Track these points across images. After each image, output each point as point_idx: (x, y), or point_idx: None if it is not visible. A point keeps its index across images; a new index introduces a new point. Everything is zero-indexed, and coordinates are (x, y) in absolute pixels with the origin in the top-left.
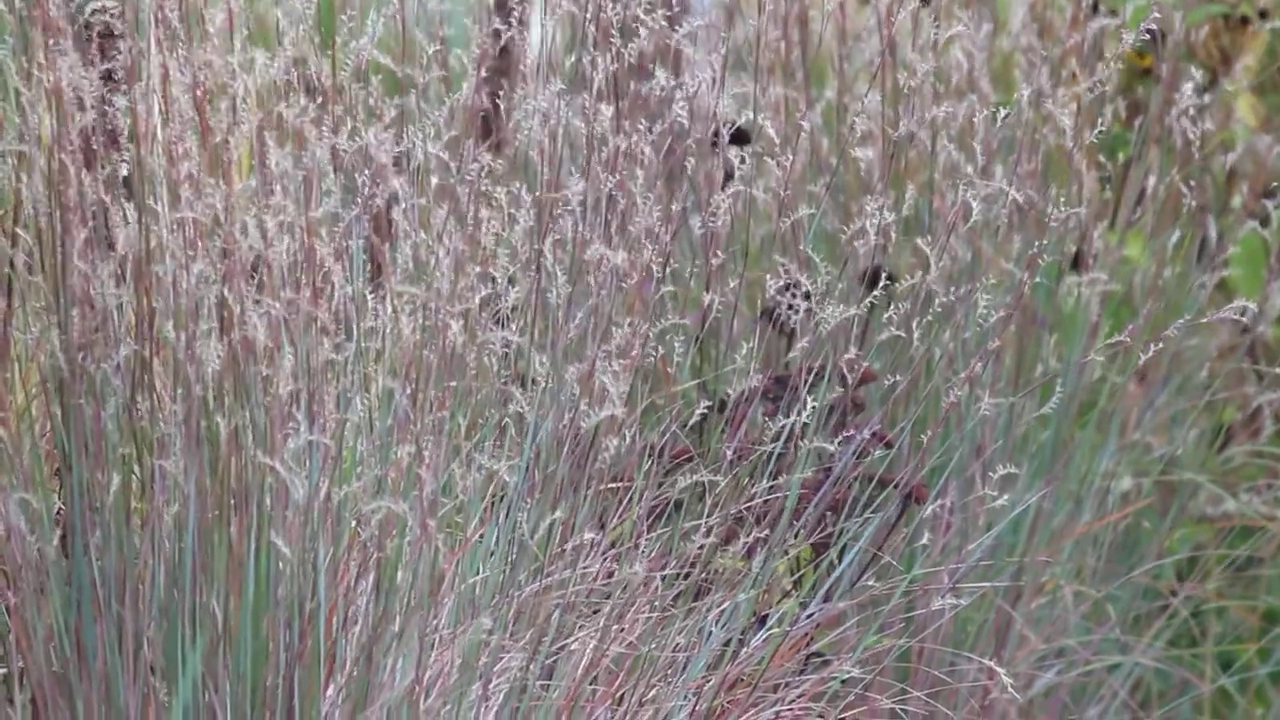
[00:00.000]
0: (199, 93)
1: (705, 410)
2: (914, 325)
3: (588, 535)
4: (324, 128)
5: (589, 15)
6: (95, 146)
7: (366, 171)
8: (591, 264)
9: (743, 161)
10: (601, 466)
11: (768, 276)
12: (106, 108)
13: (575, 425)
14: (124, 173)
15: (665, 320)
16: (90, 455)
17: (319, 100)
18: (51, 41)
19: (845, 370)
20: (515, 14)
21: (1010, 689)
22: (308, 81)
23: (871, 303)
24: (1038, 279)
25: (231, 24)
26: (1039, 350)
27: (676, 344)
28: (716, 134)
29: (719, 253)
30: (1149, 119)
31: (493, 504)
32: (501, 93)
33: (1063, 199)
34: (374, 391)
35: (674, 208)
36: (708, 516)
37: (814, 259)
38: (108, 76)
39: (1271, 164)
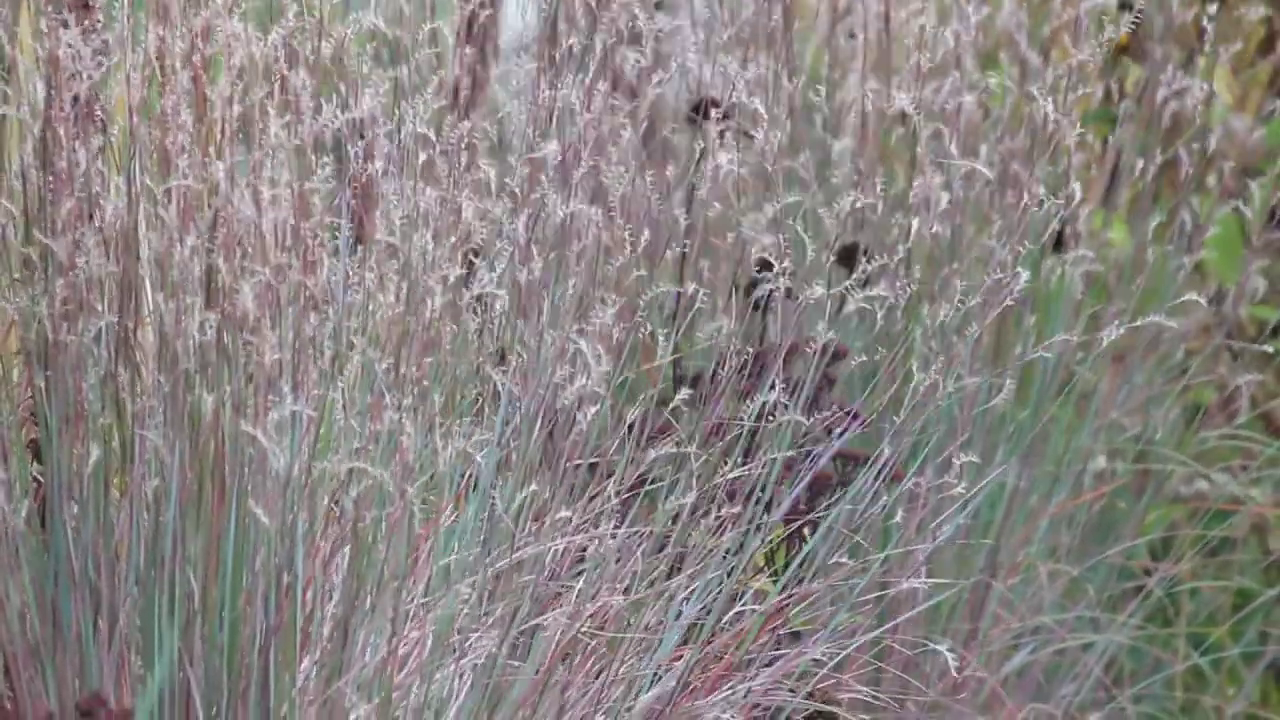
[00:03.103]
0: (196, 60)
1: (683, 390)
2: (880, 305)
3: (563, 514)
4: (315, 100)
5: None
6: (94, 115)
7: (358, 143)
8: (572, 234)
9: (722, 136)
10: (577, 439)
11: (727, 243)
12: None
13: (552, 399)
14: (99, 144)
15: (649, 292)
16: (70, 426)
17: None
18: (52, 9)
19: (816, 347)
20: None
21: (981, 668)
22: (302, 53)
23: (848, 278)
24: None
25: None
26: (1019, 329)
27: (659, 321)
28: (696, 109)
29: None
30: (1130, 98)
31: (469, 481)
32: (479, 66)
33: (1043, 177)
34: (355, 362)
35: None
36: (682, 493)
37: (799, 234)
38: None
39: (1249, 143)
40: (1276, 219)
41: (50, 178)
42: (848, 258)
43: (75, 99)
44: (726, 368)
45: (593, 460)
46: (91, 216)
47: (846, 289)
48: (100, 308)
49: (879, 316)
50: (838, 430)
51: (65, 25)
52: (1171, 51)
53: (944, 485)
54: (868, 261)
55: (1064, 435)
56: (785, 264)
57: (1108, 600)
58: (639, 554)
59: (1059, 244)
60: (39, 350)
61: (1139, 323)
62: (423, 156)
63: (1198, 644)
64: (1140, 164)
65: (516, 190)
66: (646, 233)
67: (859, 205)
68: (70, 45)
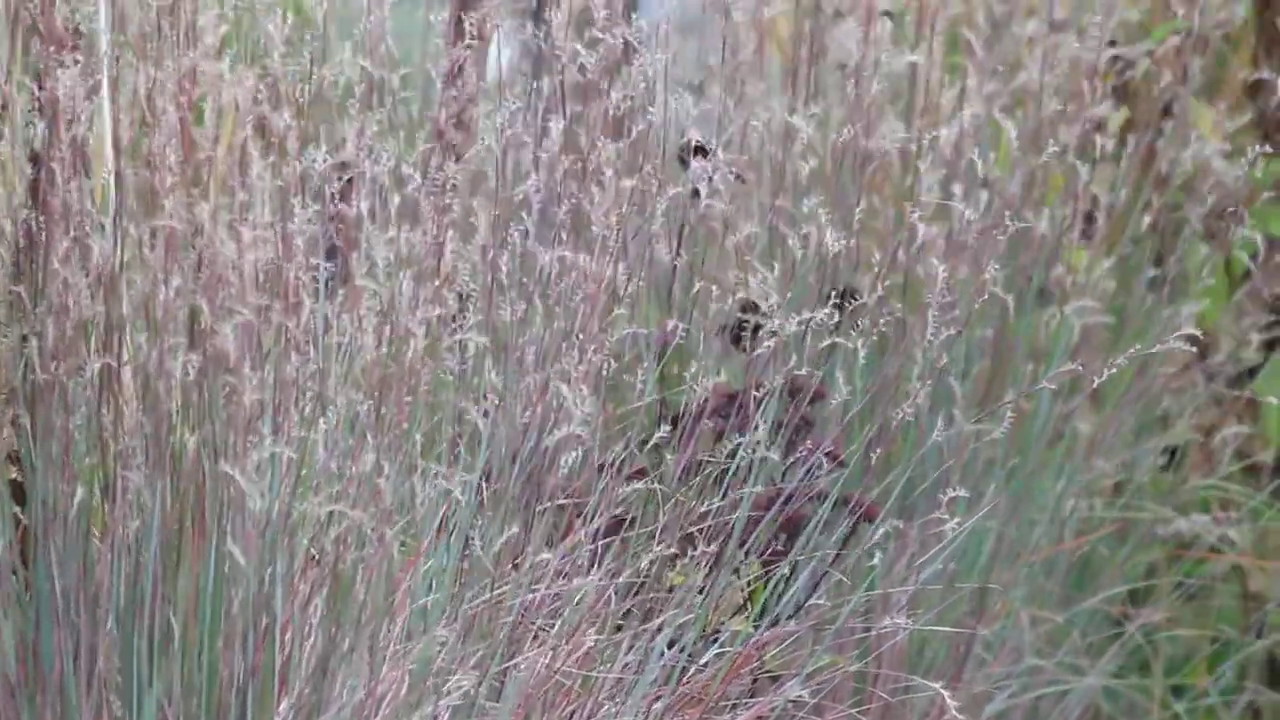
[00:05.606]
0: (183, 100)
1: (662, 431)
2: (860, 345)
3: (543, 555)
4: (298, 141)
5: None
6: (88, 156)
7: (339, 183)
8: (553, 277)
9: (710, 179)
10: (557, 480)
11: (713, 288)
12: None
13: (530, 441)
14: (89, 185)
15: (627, 329)
16: (57, 466)
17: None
18: (53, 51)
19: (794, 387)
20: (472, 32)
21: (961, 712)
22: (288, 95)
23: (837, 319)
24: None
25: (222, 41)
26: (1010, 373)
27: (640, 365)
28: (683, 150)
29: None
30: (1115, 140)
31: (446, 522)
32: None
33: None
34: (336, 404)
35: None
36: (659, 533)
37: (769, 276)
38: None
39: (1231, 184)
40: (1261, 263)
41: (42, 217)
42: (827, 298)
43: (74, 140)
44: (703, 408)
45: (566, 501)
46: (78, 258)
47: (831, 329)
48: (86, 349)
49: (861, 356)
50: (812, 469)
51: (63, 66)
52: (1160, 97)
53: (929, 524)
54: (855, 301)
55: (1052, 480)
56: (769, 303)
57: (1087, 645)
58: (614, 594)
59: (1044, 287)
60: (24, 390)
61: (1120, 365)
62: (397, 198)
63: (1176, 688)
64: (1129, 207)
65: (502, 230)
66: (624, 272)
67: (849, 245)
68: (67, 86)
